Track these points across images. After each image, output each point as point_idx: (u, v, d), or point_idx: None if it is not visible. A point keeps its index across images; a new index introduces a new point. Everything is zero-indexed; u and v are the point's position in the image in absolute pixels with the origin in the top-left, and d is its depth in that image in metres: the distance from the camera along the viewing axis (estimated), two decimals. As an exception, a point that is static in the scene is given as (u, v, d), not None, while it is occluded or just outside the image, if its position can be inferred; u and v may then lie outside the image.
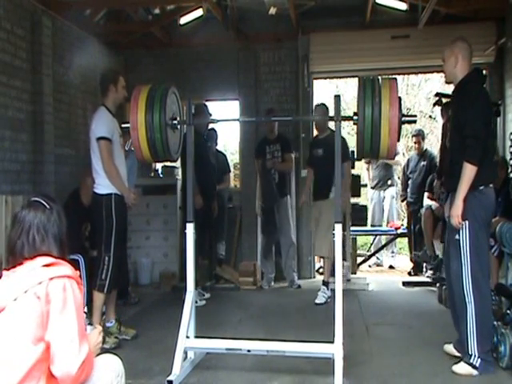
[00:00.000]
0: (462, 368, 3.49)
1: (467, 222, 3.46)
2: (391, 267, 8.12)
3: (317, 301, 5.67)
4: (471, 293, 3.45)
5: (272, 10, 6.46)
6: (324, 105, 6.00)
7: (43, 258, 1.99)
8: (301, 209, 6.93)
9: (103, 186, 4.24)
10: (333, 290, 4.01)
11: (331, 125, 8.05)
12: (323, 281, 5.83)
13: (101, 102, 4.48)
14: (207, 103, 6.61)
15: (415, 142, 7.30)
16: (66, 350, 1.86)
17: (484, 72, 3.74)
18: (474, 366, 3.45)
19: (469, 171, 3.37)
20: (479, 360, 3.44)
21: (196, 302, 5.51)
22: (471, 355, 3.46)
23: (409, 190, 7.29)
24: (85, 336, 1.95)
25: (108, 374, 2.06)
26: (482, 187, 3.48)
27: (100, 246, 4.22)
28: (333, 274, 6.09)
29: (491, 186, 3.55)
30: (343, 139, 6.41)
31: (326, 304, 5.59)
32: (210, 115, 6.05)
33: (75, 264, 3.18)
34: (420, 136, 7.32)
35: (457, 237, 3.52)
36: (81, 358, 1.88)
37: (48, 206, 2.09)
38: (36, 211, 2.07)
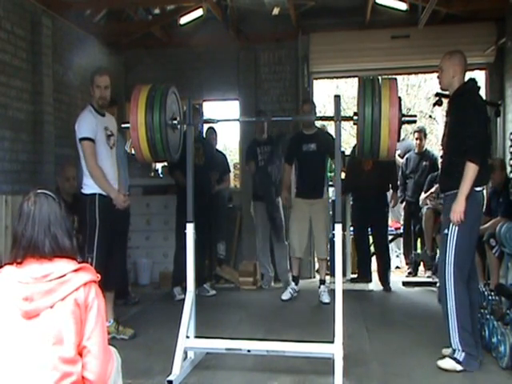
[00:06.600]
0: (446, 363, 3.53)
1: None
2: (397, 268, 8.06)
3: (325, 300, 5.66)
4: (452, 288, 3.51)
5: (275, 11, 6.47)
6: (309, 100, 6.31)
7: (67, 262, 1.93)
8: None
9: (88, 185, 4.20)
10: (333, 290, 4.01)
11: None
12: (321, 280, 5.90)
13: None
14: (204, 103, 6.57)
15: (417, 139, 7.26)
16: (103, 356, 1.91)
17: (478, 82, 3.86)
18: (457, 361, 3.49)
19: (472, 170, 3.44)
20: (463, 354, 3.47)
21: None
22: (455, 350, 3.51)
23: (409, 189, 7.27)
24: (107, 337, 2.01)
25: (114, 363, 2.10)
26: (477, 188, 3.55)
27: (84, 247, 4.16)
28: (332, 273, 6.17)
29: (482, 188, 3.64)
30: (332, 137, 6.46)
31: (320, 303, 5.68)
32: (203, 116, 6.04)
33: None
34: (422, 132, 7.27)
35: (446, 231, 3.58)
36: (112, 363, 1.98)
37: (56, 199, 2.01)
38: (49, 204, 1.96)
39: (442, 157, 3.99)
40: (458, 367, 3.47)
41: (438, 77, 3.85)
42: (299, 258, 6.03)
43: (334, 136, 3.67)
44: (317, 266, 7.45)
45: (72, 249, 1.99)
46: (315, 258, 7.20)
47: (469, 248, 3.59)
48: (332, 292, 4.65)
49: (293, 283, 5.96)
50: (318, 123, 7.79)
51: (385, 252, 6.54)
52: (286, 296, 5.82)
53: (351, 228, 6.90)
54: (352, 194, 6.66)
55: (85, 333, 1.88)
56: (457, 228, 3.51)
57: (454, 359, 3.50)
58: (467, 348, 3.48)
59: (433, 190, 6.46)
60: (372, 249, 6.93)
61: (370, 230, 6.69)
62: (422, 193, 6.69)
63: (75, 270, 1.91)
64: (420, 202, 6.71)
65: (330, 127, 8.74)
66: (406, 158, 7.32)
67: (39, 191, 2.01)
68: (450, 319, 3.52)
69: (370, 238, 6.79)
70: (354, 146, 5.77)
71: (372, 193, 6.29)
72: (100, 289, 1.97)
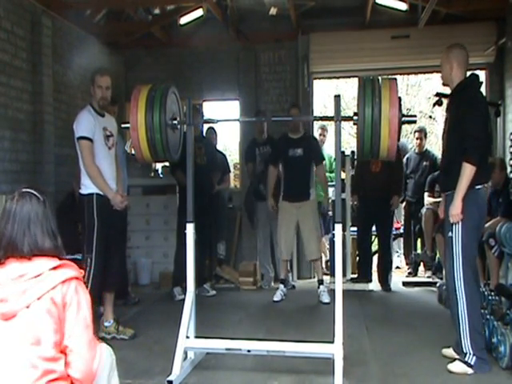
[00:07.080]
0: (457, 367, 3.50)
1: (461, 220, 3.49)
2: (397, 268, 8.06)
3: (325, 300, 5.63)
4: (463, 290, 3.47)
5: (273, 11, 6.48)
6: (297, 105, 6.35)
7: (46, 260, 1.90)
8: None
9: (85, 185, 4.21)
10: (333, 290, 4.01)
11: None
12: (320, 280, 5.86)
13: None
14: (204, 103, 6.58)
15: (417, 138, 7.26)
16: (86, 353, 1.88)
17: (480, 78, 3.78)
18: (468, 365, 3.45)
19: (468, 171, 3.39)
20: (474, 358, 3.44)
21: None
22: (466, 353, 3.47)
23: (409, 190, 7.27)
24: (94, 333, 1.98)
25: (107, 360, 2.08)
26: (478, 187, 3.50)
27: (83, 247, 4.17)
28: (332, 273, 6.16)
29: (482, 186, 3.57)
30: (317, 142, 6.45)
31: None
32: (203, 116, 6.04)
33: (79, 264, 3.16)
34: (422, 132, 7.27)
35: (450, 234, 3.54)
36: (97, 358, 1.94)
37: (41, 198, 1.97)
38: (31, 203, 1.94)
39: (442, 155, 3.96)
40: (469, 371, 3.43)
41: (441, 73, 3.80)
42: (287, 260, 6.02)
43: (334, 136, 3.65)
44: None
45: (55, 249, 1.95)
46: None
47: (472, 247, 3.56)
48: (332, 292, 4.65)
49: (281, 285, 5.92)
50: (319, 123, 7.82)
51: (387, 252, 6.53)
52: (277, 297, 5.79)
53: (351, 228, 6.90)
54: (358, 194, 6.65)
55: (65, 331, 1.84)
56: (461, 229, 3.47)
57: (465, 363, 3.46)
58: (478, 352, 3.44)
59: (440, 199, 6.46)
60: (374, 248, 6.93)
61: (372, 229, 6.69)
62: (426, 195, 6.69)
63: (54, 268, 1.87)
64: (425, 202, 6.71)
65: (330, 127, 8.75)
66: (407, 158, 7.32)
67: (24, 190, 1.98)
68: (461, 322, 3.47)
69: (372, 238, 6.79)
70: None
71: (379, 194, 6.28)
72: (99, 288, 1.96)
